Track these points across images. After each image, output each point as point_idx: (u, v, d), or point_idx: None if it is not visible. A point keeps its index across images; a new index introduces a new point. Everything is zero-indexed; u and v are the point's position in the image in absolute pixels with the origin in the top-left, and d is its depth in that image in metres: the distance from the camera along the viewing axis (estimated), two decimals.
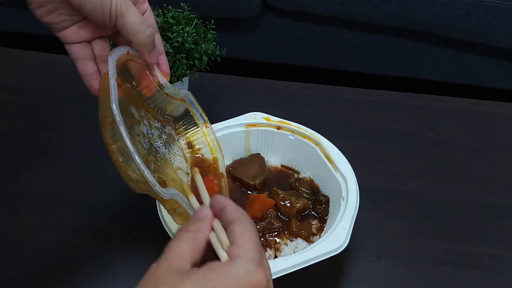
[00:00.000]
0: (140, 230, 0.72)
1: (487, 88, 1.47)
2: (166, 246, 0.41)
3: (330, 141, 0.72)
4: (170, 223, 0.62)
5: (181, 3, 0.80)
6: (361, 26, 1.41)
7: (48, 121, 0.88)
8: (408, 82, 1.48)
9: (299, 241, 0.66)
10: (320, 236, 0.67)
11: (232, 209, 0.44)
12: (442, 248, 0.72)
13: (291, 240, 0.66)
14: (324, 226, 0.68)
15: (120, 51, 0.53)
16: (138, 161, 0.47)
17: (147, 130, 0.57)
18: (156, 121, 0.58)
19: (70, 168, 0.81)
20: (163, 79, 0.56)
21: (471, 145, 0.86)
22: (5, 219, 0.74)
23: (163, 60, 0.56)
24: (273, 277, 0.57)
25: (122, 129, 0.47)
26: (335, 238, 0.61)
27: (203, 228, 0.43)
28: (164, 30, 0.77)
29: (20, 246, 0.71)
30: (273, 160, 0.76)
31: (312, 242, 0.65)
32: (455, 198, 0.78)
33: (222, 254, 0.41)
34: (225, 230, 0.43)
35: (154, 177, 0.49)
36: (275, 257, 0.64)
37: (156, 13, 0.78)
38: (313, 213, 0.69)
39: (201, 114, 0.60)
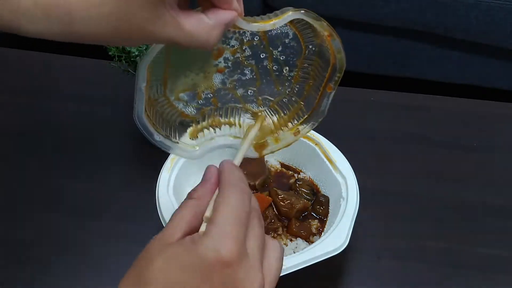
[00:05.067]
0: (142, 229, 0.72)
1: (487, 88, 1.47)
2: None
3: (330, 141, 0.72)
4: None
5: None
6: (361, 26, 1.41)
7: (49, 121, 0.88)
8: (408, 82, 1.47)
9: (299, 241, 0.66)
10: (320, 236, 0.67)
11: (223, 176, 0.42)
12: (442, 248, 0.72)
13: (291, 240, 0.66)
14: (324, 226, 0.68)
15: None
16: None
17: (237, 54, 0.52)
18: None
19: (71, 168, 0.81)
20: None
21: (471, 145, 0.86)
22: (5, 219, 0.74)
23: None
24: None
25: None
26: (335, 238, 0.61)
27: (206, 194, 0.42)
28: None
29: (20, 246, 0.71)
30: (273, 160, 0.76)
31: (312, 242, 0.65)
32: (455, 198, 0.78)
33: (201, 227, 0.40)
34: None
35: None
36: None
37: None
38: (313, 213, 0.70)
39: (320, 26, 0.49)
